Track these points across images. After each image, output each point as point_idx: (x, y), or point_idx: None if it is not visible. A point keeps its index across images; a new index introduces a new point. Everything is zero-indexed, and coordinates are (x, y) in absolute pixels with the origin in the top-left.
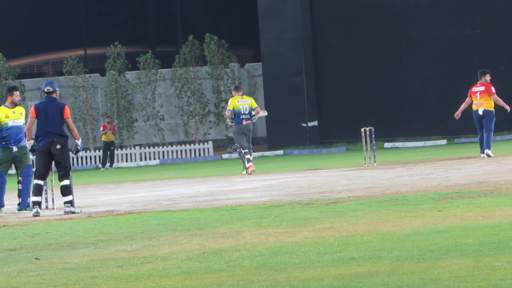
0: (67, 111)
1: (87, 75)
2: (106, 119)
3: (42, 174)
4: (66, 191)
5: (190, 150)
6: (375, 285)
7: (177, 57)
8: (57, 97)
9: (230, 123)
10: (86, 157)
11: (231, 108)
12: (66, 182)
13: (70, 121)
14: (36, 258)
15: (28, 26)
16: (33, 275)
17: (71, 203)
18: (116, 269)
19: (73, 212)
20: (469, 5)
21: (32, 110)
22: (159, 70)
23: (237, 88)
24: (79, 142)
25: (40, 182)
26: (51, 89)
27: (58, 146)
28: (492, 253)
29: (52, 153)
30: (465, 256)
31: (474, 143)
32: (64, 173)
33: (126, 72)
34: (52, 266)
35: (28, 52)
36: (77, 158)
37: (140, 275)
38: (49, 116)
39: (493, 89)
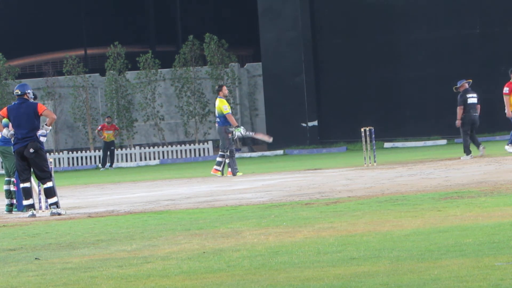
0: (41, 107)
1: (87, 75)
2: (107, 119)
3: (25, 177)
4: (49, 193)
5: (190, 150)
6: (375, 285)
7: (177, 57)
8: (31, 99)
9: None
10: (86, 157)
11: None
12: (48, 184)
13: (47, 112)
14: (36, 258)
15: (28, 26)
16: (33, 275)
17: (56, 204)
18: (116, 269)
19: (59, 214)
20: (469, 5)
21: (4, 109)
22: (159, 70)
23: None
24: (48, 128)
25: (26, 185)
26: (20, 92)
27: (31, 150)
28: (492, 253)
29: (26, 156)
30: (465, 256)
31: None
32: (43, 176)
33: (126, 72)
34: (52, 266)
35: (28, 52)
36: (77, 158)
37: (140, 275)
38: (22, 119)
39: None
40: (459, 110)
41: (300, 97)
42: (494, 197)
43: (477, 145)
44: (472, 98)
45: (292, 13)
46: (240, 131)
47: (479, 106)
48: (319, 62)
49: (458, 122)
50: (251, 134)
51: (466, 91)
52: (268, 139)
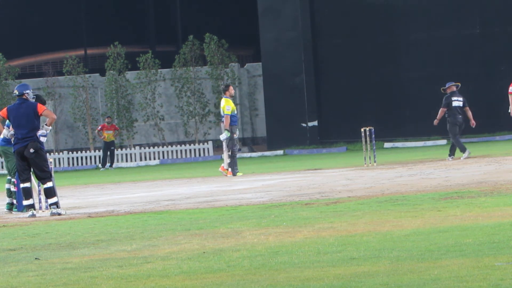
0: (40, 107)
1: (87, 75)
2: (107, 119)
3: (25, 177)
4: (49, 193)
5: (190, 150)
6: (375, 285)
7: (177, 57)
8: (31, 99)
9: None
10: (86, 157)
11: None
12: (49, 184)
13: (47, 112)
14: (36, 258)
15: (28, 26)
16: (33, 275)
17: (56, 204)
18: (116, 269)
19: (59, 214)
20: (469, 5)
21: (4, 110)
22: (159, 70)
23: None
24: (48, 128)
25: (27, 184)
26: (18, 92)
27: (32, 150)
28: (492, 253)
29: (26, 156)
30: (465, 256)
31: (474, 143)
32: (44, 176)
33: (126, 72)
34: (52, 266)
35: (28, 52)
36: (77, 158)
37: (140, 275)
38: (22, 119)
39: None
40: (441, 112)
41: (300, 97)
42: (494, 197)
43: (452, 152)
44: (457, 102)
45: (292, 13)
46: (227, 135)
47: (467, 108)
48: (319, 62)
49: (435, 122)
50: (225, 147)
51: (452, 94)
52: (226, 165)
